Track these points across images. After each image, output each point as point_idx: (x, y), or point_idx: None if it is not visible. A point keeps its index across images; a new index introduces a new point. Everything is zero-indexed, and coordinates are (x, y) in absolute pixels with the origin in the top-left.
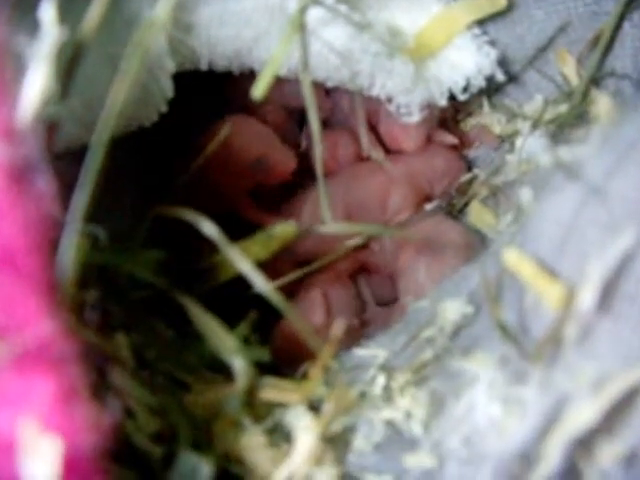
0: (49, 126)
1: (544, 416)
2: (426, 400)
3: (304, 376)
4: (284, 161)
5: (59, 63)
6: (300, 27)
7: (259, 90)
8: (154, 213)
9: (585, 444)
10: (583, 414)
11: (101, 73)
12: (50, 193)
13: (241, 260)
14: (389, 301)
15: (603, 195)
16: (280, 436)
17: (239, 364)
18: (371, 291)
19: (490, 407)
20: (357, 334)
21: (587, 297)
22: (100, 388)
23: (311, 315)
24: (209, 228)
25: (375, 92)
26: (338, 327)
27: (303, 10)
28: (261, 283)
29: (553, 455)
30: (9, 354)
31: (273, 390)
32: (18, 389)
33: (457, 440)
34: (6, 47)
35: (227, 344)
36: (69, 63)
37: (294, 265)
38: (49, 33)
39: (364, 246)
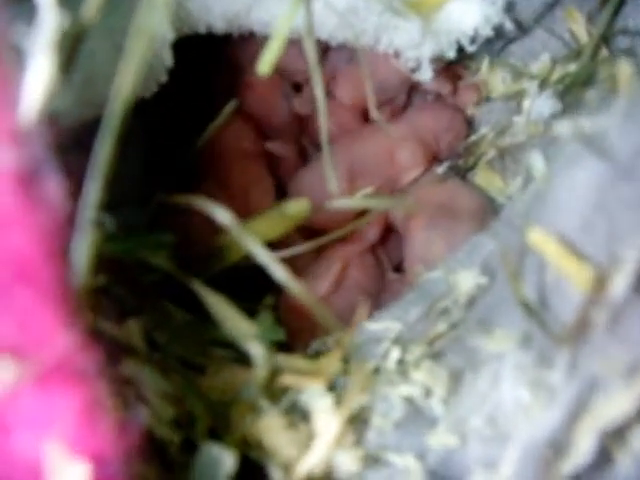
0: (52, 119)
1: (574, 402)
2: (444, 376)
3: (317, 353)
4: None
5: (60, 50)
6: None
7: (265, 65)
8: (161, 200)
9: (618, 430)
10: (617, 402)
11: (100, 48)
12: (60, 194)
13: (258, 248)
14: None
15: (633, 175)
16: (297, 416)
17: (258, 352)
18: (388, 256)
19: (516, 390)
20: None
21: (621, 281)
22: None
23: (318, 282)
24: (222, 215)
25: (382, 48)
26: (362, 313)
27: None
28: (279, 271)
29: (585, 443)
30: (29, 373)
31: (293, 375)
32: (41, 409)
33: (480, 419)
34: (5, 41)
35: (245, 331)
36: (70, 49)
37: (306, 234)
38: (49, 20)
39: None
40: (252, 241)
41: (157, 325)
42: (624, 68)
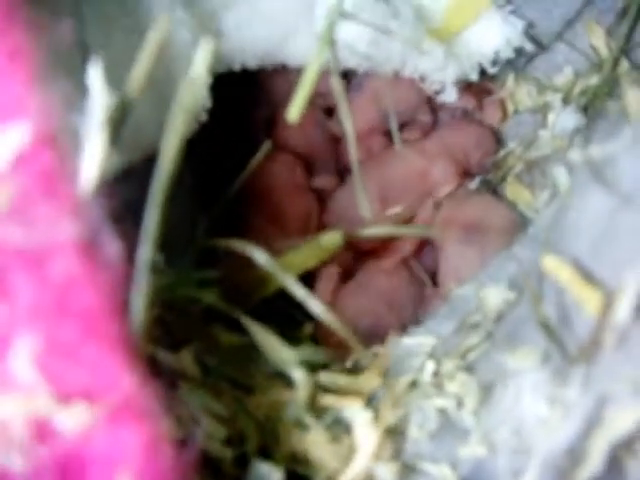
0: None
1: (587, 417)
2: (476, 388)
3: (356, 366)
4: None
5: (110, 125)
6: (330, 42)
7: (294, 112)
8: (204, 245)
9: (628, 441)
10: (626, 416)
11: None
12: (118, 255)
13: (294, 285)
14: None
15: (636, 204)
16: (339, 429)
17: (299, 377)
18: (426, 268)
19: (536, 405)
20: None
21: (625, 304)
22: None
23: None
24: (259, 256)
25: (407, 73)
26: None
27: (332, 25)
28: (314, 305)
29: (598, 454)
30: (101, 415)
31: (333, 395)
32: (112, 446)
33: (507, 432)
34: (61, 121)
35: (287, 358)
36: (118, 121)
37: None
38: (99, 100)
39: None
40: (289, 278)
41: (207, 350)
42: (634, 96)
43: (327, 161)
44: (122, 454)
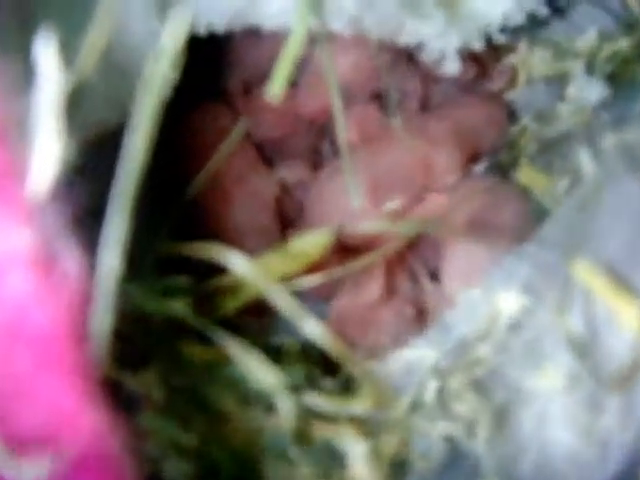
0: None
1: (629, 452)
2: (488, 411)
3: (347, 386)
4: None
5: (63, 112)
6: (316, 2)
7: (276, 89)
8: (168, 250)
9: None
10: None
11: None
12: (78, 269)
13: (288, 301)
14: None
15: None
16: (329, 460)
17: (286, 406)
18: (424, 265)
19: (566, 436)
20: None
21: None
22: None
23: (366, 290)
24: (242, 265)
25: (404, 39)
26: None
27: None
28: (314, 329)
29: None
30: (63, 460)
31: (324, 423)
32: None
33: (528, 465)
34: (8, 109)
35: (271, 382)
36: (71, 107)
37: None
38: (52, 83)
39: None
40: (276, 290)
41: (173, 369)
42: None
43: (300, 150)
44: None
